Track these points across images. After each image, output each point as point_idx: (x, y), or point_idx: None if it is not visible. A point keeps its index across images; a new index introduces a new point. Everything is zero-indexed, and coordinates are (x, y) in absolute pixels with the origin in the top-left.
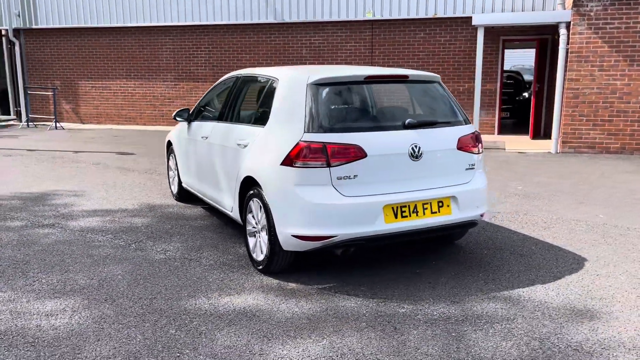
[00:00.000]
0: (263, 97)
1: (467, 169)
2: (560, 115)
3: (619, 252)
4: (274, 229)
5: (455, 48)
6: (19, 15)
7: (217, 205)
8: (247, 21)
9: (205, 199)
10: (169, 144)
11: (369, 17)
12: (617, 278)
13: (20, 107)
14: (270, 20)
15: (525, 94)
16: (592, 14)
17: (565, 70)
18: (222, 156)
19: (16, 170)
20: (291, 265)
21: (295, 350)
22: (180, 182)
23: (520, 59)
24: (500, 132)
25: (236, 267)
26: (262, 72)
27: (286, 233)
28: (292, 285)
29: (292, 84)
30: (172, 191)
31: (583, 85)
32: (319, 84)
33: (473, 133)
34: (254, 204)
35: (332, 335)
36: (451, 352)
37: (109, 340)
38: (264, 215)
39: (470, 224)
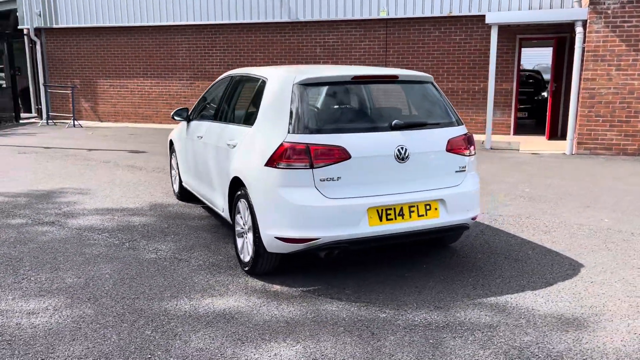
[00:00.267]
0: (252, 97)
1: (457, 172)
2: (575, 115)
3: (618, 258)
4: (258, 230)
5: (471, 47)
6: (40, 15)
7: (211, 205)
8: (262, 20)
9: (201, 198)
10: (171, 142)
11: (383, 15)
12: (612, 286)
13: (41, 105)
14: (285, 19)
15: (544, 94)
16: (609, 11)
17: (581, 70)
18: (215, 156)
19: (28, 167)
20: (278, 266)
21: (267, 354)
22: (180, 181)
23: (544, 58)
24: (517, 132)
25: (224, 268)
26: (253, 71)
27: (269, 235)
28: (277, 287)
29: (279, 84)
30: (174, 190)
31: (599, 85)
32: (305, 84)
33: (464, 135)
34: (242, 205)
35: (308, 339)
36: None
37: (84, 340)
38: (250, 216)
39: (460, 228)
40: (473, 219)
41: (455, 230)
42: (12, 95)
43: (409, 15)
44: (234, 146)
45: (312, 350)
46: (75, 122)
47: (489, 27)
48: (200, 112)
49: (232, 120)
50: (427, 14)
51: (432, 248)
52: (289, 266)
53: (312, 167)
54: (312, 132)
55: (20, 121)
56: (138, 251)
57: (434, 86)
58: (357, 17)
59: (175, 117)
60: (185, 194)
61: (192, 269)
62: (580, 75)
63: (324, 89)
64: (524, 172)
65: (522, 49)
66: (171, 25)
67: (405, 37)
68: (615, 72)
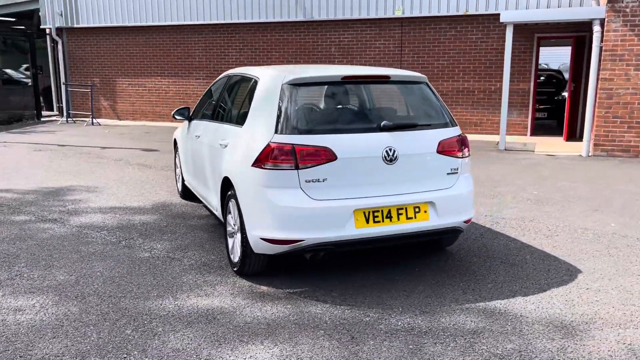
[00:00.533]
0: (245, 97)
1: (448, 174)
2: (592, 116)
3: (619, 264)
4: (245, 231)
5: (487, 46)
6: (61, 15)
7: (207, 205)
8: (277, 19)
9: (199, 197)
10: (176, 141)
11: (399, 14)
12: (608, 293)
13: (62, 103)
14: (300, 18)
15: (565, 94)
16: (627, 10)
17: (598, 69)
18: (209, 155)
19: (41, 164)
20: (268, 267)
21: (242, 357)
22: (183, 180)
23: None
24: (535, 133)
25: (215, 268)
26: (247, 71)
27: (255, 235)
28: (264, 288)
29: (269, 84)
30: (178, 189)
31: (617, 85)
32: (293, 84)
33: (457, 136)
34: (232, 205)
35: (286, 342)
36: None
37: (64, 337)
38: (239, 217)
39: (453, 231)
40: (466, 222)
41: (447, 234)
42: (33, 93)
43: (425, 14)
44: (226, 146)
45: (288, 353)
46: (94, 121)
47: (505, 26)
48: (199, 111)
49: (225, 119)
50: (443, 12)
51: (428, 251)
52: (279, 267)
53: (297, 168)
54: (299, 132)
55: (42, 119)
56: (133, 249)
57: (429, 87)
58: (373, 16)
59: (176, 116)
60: (187, 193)
61: (183, 269)
62: (598, 75)
63: (313, 89)
64: (536, 174)
65: (543, 48)
66: (188, 24)
67: (420, 36)
68: (633, 72)
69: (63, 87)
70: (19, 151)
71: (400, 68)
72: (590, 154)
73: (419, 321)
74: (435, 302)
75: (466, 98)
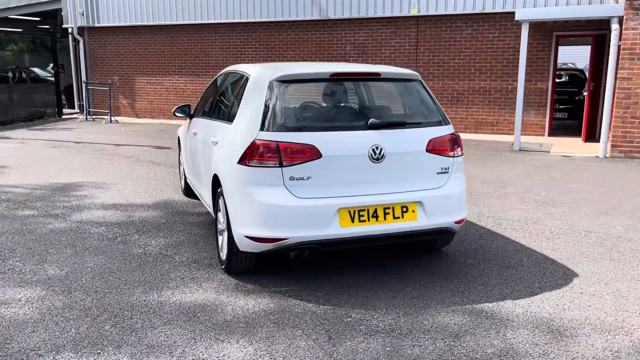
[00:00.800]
0: (236, 94)
1: (439, 173)
2: (610, 116)
3: (619, 269)
4: (231, 228)
5: (504, 45)
6: (83, 14)
7: (203, 202)
8: (293, 18)
9: (197, 194)
10: (180, 139)
11: (414, 12)
12: (602, 298)
13: (82, 101)
14: (315, 17)
15: (585, 94)
16: None
17: (616, 69)
18: (202, 153)
19: (54, 161)
20: (257, 265)
21: (215, 355)
22: (185, 178)
23: None
24: (553, 133)
25: (204, 266)
26: (241, 68)
27: (240, 233)
28: (250, 286)
29: (257, 81)
30: (181, 186)
31: (636, 84)
32: (281, 81)
33: (449, 135)
34: (221, 203)
35: (262, 341)
36: None
37: (43, 332)
38: (225, 214)
39: (444, 232)
40: (458, 222)
41: (437, 235)
42: (55, 91)
43: (441, 12)
44: (216, 143)
45: (262, 352)
46: (112, 118)
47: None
48: (199, 108)
49: (218, 116)
50: (459, 10)
51: (421, 252)
52: (268, 265)
53: (281, 165)
54: (285, 129)
55: (63, 116)
56: (127, 245)
57: (422, 84)
58: (388, 14)
59: (177, 114)
60: (190, 190)
61: (173, 265)
62: (616, 74)
63: (300, 87)
64: (547, 175)
65: (569, 47)
66: (205, 23)
67: (436, 34)
68: None
69: (84, 85)
70: (35, 147)
71: (416, 67)
72: (607, 155)
73: (402, 322)
74: (421, 304)
75: (482, 97)
